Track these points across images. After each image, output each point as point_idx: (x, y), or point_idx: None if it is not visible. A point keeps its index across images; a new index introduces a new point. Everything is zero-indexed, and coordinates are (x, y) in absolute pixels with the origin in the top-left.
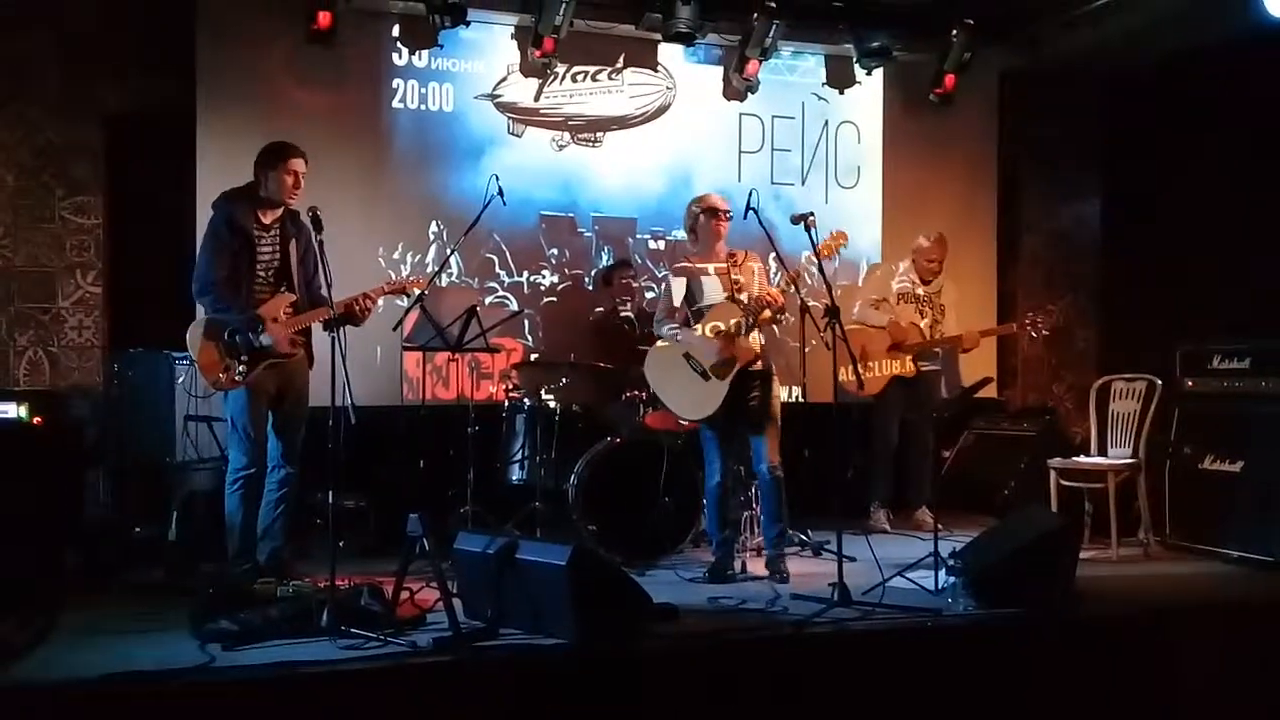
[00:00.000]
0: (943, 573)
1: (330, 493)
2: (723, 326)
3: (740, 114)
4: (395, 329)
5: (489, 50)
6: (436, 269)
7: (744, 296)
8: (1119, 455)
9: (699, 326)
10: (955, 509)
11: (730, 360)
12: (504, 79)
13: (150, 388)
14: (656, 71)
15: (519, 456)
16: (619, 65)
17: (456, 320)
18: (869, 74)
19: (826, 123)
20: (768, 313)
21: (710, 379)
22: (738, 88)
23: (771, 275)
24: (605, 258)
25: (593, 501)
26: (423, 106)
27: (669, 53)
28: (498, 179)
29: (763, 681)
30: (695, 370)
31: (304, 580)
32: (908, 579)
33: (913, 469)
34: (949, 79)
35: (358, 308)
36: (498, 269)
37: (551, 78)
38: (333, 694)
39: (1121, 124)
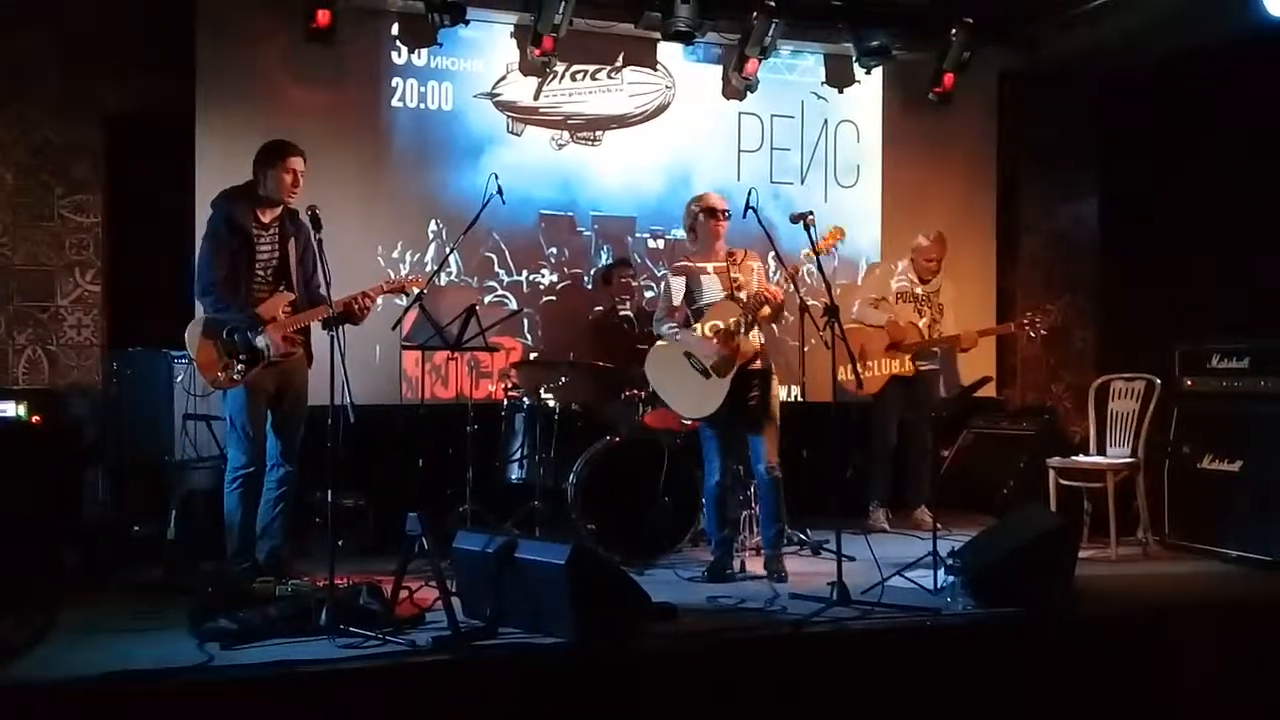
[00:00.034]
0: (941, 572)
1: (329, 491)
2: (722, 325)
3: (739, 113)
4: (394, 328)
5: (488, 49)
6: (435, 268)
7: (743, 294)
8: (1118, 455)
9: (698, 325)
10: (954, 508)
11: (731, 357)
12: (503, 78)
13: (149, 386)
14: (656, 70)
15: (518, 455)
16: (618, 64)
17: (455, 319)
18: (868, 73)
19: (826, 122)
20: (767, 309)
21: (712, 377)
22: (737, 86)
23: (771, 274)
24: (604, 257)
25: (592, 500)
26: (422, 105)
27: (668, 51)
28: (497, 178)
29: (762, 681)
30: (696, 368)
31: (303, 579)
32: (906, 578)
33: (911, 468)
34: (948, 78)
35: (356, 306)
36: (497, 268)
37: (551, 76)
38: (332, 693)
39: (1120, 124)
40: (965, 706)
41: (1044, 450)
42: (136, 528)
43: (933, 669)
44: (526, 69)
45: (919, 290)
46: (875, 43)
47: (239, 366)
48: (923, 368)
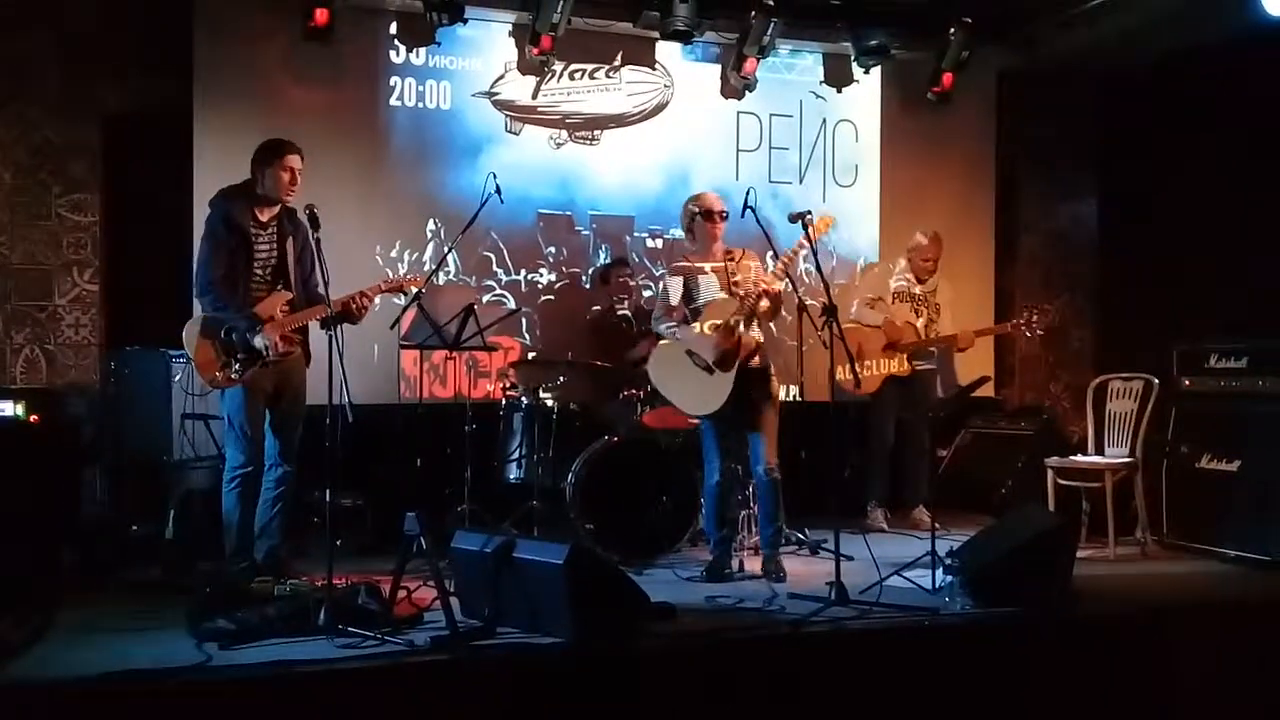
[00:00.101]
0: (940, 572)
1: (327, 491)
2: (720, 322)
3: (738, 112)
4: (392, 327)
5: (487, 48)
6: (434, 267)
7: (740, 290)
8: (1116, 454)
9: (697, 324)
10: (952, 508)
11: (733, 351)
12: (502, 77)
13: (147, 386)
14: (654, 69)
15: (516, 455)
16: (617, 63)
17: (454, 318)
18: (867, 72)
19: (824, 121)
20: (765, 303)
21: (715, 372)
22: (735, 86)
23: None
24: (603, 256)
25: (590, 500)
26: (420, 104)
27: (667, 51)
28: (495, 177)
29: (760, 680)
30: (699, 365)
31: (301, 579)
32: (905, 578)
33: (909, 468)
34: (947, 78)
35: (355, 306)
36: (495, 267)
37: (549, 75)
38: (330, 693)
39: (1118, 124)
40: (963, 706)
41: (1042, 450)
42: (134, 527)
43: (931, 669)
44: (525, 68)
45: (916, 290)
46: (874, 42)
47: (237, 366)
48: (919, 367)
